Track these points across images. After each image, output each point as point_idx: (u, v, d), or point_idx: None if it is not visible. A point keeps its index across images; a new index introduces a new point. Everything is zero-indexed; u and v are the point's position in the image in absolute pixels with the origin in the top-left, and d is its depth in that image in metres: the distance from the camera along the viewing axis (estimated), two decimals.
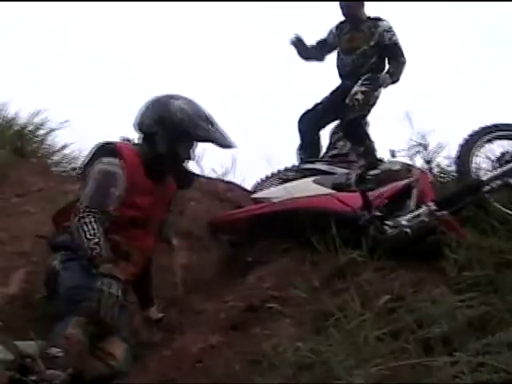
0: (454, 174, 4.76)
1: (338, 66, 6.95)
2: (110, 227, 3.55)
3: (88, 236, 3.38)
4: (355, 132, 6.43)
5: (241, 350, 3.52)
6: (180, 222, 5.07)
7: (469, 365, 2.45)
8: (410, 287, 3.47)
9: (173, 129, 3.75)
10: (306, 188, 4.71)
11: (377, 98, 6.58)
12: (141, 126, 3.85)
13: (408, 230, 4.06)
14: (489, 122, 4.74)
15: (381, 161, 4.79)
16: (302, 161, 6.17)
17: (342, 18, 7.00)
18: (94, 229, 3.40)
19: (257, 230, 4.59)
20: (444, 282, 3.53)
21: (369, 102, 6.55)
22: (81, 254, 3.44)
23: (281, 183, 5.14)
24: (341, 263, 3.92)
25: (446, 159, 5.03)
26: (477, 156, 4.59)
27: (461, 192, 4.34)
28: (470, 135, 4.64)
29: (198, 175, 4.34)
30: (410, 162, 4.88)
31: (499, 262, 3.49)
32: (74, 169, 7.30)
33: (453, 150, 4.73)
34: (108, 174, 3.67)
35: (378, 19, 6.85)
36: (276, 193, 4.87)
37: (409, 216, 4.15)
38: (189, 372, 3.45)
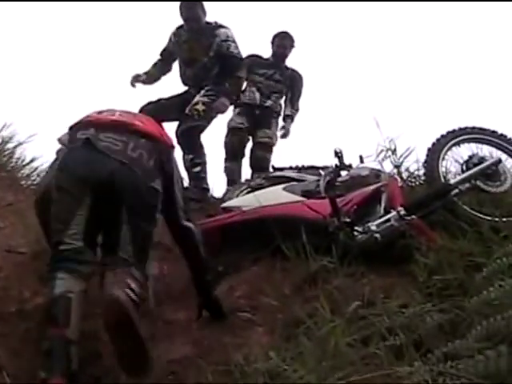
0: (422, 178, 4.76)
1: (181, 77, 6.92)
2: None
3: None
4: (189, 141, 6.42)
5: (213, 359, 3.50)
6: None
7: (430, 374, 2.46)
8: (381, 292, 3.47)
9: None
10: (276, 196, 4.71)
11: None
12: None
13: (378, 235, 4.07)
14: (456, 126, 4.76)
15: (350, 166, 4.77)
16: None
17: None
18: None
19: (227, 238, 4.57)
20: (414, 286, 3.55)
21: (211, 113, 6.53)
22: None
23: (250, 191, 5.12)
24: (311, 270, 3.92)
25: (414, 163, 5.04)
26: (445, 159, 4.61)
27: (430, 196, 4.36)
28: (438, 139, 4.66)
29: None
30: (378, 167, 4.88)
31: (469, 264, 3.50)
32: None
33: (421, 154, 4.74)
34: None
35: (218, 26, 6.75)
36: (246, 201, 4.86)
37: (378, 221, 4.15)
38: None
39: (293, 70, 7.85)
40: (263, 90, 7.60)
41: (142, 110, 6.36)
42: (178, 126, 6.47)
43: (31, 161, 7.20)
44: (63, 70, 13.64)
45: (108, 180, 3.38)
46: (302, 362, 2.88)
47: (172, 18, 6.86)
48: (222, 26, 6.72)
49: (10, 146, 7.25)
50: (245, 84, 7.34)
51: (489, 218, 4.11)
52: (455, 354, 2.59)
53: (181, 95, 6.81)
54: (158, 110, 6.40)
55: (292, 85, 7.81)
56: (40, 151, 7.00)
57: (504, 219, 4.00)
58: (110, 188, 3.38)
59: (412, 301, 3.28)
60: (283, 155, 7.45)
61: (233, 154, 7.36)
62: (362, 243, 4.07)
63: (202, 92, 6.46)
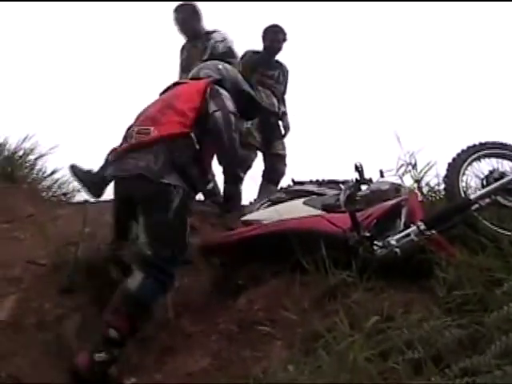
0: (443, 192, 4.75)
1: None
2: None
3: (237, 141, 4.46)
4: None
5: (231, 373, 3.52)
6: None
7: None
8: (400, 307, 3.46)
9: None
10: (296, 209, 4.71)
11: None
12: None
13: (397, 249, 4.05)
14: (477, 141, 4.75)
15: (370, 181, 4.77)
16: None
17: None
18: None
19: (248, 252, 4.58)
20: (434, 301, 3.54)
21: None
22: None
23: (271, 205, 5.13)
24: (331, 284, 3.91)
25: (435, 178, 5.03)
26: (465, 174, 4.59)
27: (450, 211, 4.34)
28: (458, 154, 4.64)
29: None
30: (399, 182, 4.88)
31: (488, 280, 3.49)
32: (65, 194, 7.31)
33: (442, 169, 4.73)
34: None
35: (212, 31, 6.78)
36: (266, 215, 4.86)
37: (398, 236, 4.14)
38: None
39: (281, 64, 7.71)
40: (277, 94, 7.49)
41: None
42: None
43: (52, 173, 7.30)
44: (84, 81, 13.62)
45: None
46: (320, 376, 2.89)
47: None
48: (215, 31, 6.78)
49: (31, 157, 7.33)
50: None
51: (509, 233, 4.10)
52: (474, 370, 2.59)
53: None
54: None
55: (286, 81, 7.72)
56: (61, 163, 7.04)
57: None
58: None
59: (431, 316, 3.28)
60: (304, 169, 7.41)
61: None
62: (382, 257, 4.06)
63: None
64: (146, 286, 3.98)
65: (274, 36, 7.49)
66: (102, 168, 4.83)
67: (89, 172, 4.94)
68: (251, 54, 7.52)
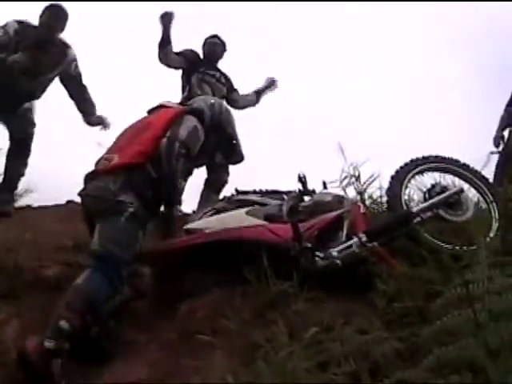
0: (385, 205, 4.78)
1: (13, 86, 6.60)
2: None
3: (179, 171, 4.66)
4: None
5: (171, 382, 3.48)
6: None
7: None
8: (340, 318, 3.45)
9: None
10: (239, 219, 4.68)
11: None
12: None
13: (339, 261, 4.07)
14: (420, 154, 4.79)
15: (313, 192, 4.78)
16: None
17: None
18: (182, 168, 4.70)
19: (190, 260, 4.54)
20: (374, 313, 3.54)
21: None
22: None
23: (213, 214, 5.10)
24: (272, 295, 3.90)
25: (378, 190, 5.06)
26: (408, 187, 4.63)
27: (392, 223, 4.37)
28: (401, 167, 4.69)
29: None
30: (342, 193, 4.89)
31: (429, 292, 3.51)
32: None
33: (385, 181, 4.77)
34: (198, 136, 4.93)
35: (68, 45, 6.75)
36: (209, 224, 4.83)
37: (340, 247, 4.15)
38: None
39: (223, 72, 7.79)
40: (216, 94, 7.41)
41: None
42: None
43: None
44: None
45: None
46: None
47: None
48: (69, 47, 6.72)
49: None
50: (196, 81, 7.37)
51: (450, 246, 4.14)
52: (408, 382, 2.59)
53: None
54: None
55: (228, 87, 7.78)
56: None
57: (465, 248, 4.03)
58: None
59: (371, 327, 3.28)
60: (247, 178, 7.40)
61: None
62: (323, 268, 4.07)
63: None
64: (93, 280, 4.21)
65: (212, 47, 7.69)
66: None
67: None
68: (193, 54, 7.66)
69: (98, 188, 4.64)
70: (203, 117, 5.07)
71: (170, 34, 7.35)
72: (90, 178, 4.83)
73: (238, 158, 5.85)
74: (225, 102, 5.34)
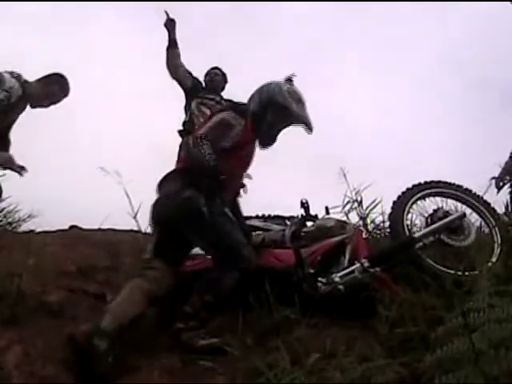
0: (388, 230, 4.78)
1: None
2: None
3: (207, 152, 4.28)
4: None
5: None
6: (115, 279, 5.01)
7: None
8: (342, 344, 3.45)
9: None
10: None
11: None
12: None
13: (341, 286, 4.07)
14: (422, 179, 4.80)
15: (316, 217, 4.78)
16: None
17: None
18: (210, 150, 4.31)
19: (192, 285, 4.54)
20: (376, 339, 3.54)
21: None
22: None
23: None
24: (274, 320, 3.90)
25: (380, 215, 5.07)
26: (410, 213, 4.64)
27: (394, 249, 4.38)
28: (404, 192, 4.69)
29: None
30: (344, 219, 4.90)
31: (431, 318, 3.50)
32: (10, 223, 7.19)
33: (387, 207, 4.77)
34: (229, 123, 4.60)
35: None
36: None
37: (342, 273, 4.16)
38: None
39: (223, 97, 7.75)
40: None
41: None
42: None
43: None
44: None
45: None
46: None
47: None
48: None
49: None
50: (195, 105, 7.39)
51: (452, 271, 4.13)
52: None
53: None
54: None
55: None
56: (8, 192, 6.94)
57: (467, 273, 4.02)
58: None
59: (373, 353, 3.27)
60: (249, 204, 7.40)
61: None
62: (326, 294, 4.07)
63: None
64: None
65: (214, 78, 7.71)
66: None
67: None
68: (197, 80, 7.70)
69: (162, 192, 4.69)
70: (239, 107, 4.91)
71: (175, 38, 7.41)
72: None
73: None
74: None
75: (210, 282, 4.18)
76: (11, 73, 6.03)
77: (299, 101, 4.74)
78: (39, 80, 6.22)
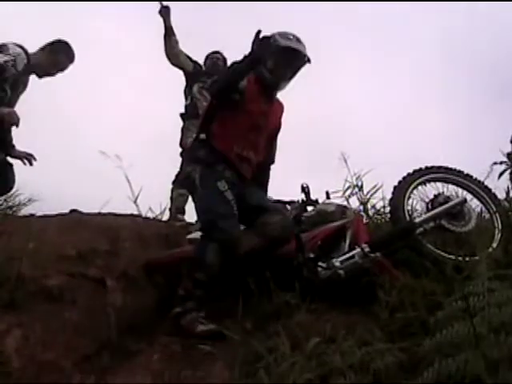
0: (388, 215, 4.77)
1: None
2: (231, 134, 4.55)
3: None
4: None
5: None
6: (115, 263, 5.01)
7: None
8: (342, 329, 3.45)
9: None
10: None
11: None
12: None
13: (341, 271, 4.07)
14: (423, 165, 4.78)
15: (316, 202, 4.77)
16: None
17: None
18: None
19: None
20: (376, 324, 3.53)
21: None
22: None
23: None
24: (274, 305, 3.90)
25: (381, 200, 5.06)
26: (411, 198, 4.62)
27: (394, 234, 4.36)
28: (404, 177, 4.67)
29: None
30: (345, 204, 4.89)
31: (431, 303, 3.50)
32: (11, 207, 7.18)
33: (388, 192, 4.76)
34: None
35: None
36: None
37: (342, 258, 4.15)
38: None
39: None
40: None
41: None
42: None
43: None
44: None
45: None
46: None
47: None
48: None
49: None
50: (197, 89, 7.39)
51: (452, 257, 4.12)
52: None
53: None
54: None
55: None
56: None
57: (467, 259, 4.01)
58: None
59: (373, 338, 3.27)
60: None
61: None
62: (326, 279, 4.07)
63: None
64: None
65: (216, 61, 7.69)
66: None
67: None
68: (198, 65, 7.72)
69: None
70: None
71: (171, 25, 7.39)
72: None
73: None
74: None
75: (196, 260, 4.20)
76: (15, 43, 6.01)
77: (289, 38, 4.73)
78: (43, 49, 6.18)
